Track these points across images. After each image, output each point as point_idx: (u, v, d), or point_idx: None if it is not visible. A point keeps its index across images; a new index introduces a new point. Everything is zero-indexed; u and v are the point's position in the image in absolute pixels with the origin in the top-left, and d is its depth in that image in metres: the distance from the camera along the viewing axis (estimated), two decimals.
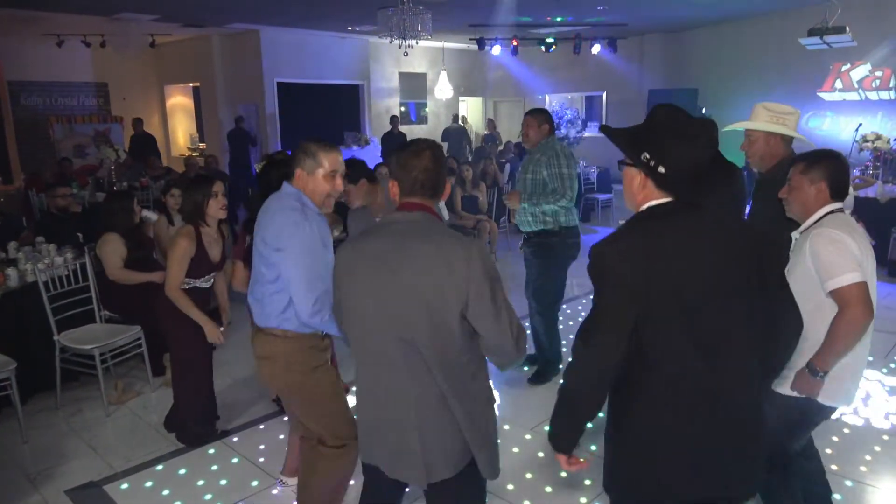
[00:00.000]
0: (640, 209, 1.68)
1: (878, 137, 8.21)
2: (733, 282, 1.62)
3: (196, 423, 3.64)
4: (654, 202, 1.66)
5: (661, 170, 1.60)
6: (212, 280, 3.58)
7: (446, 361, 1.78)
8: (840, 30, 6.79)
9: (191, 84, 13.46)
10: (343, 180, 2.46)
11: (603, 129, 1.76)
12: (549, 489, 3.12)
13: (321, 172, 2.35)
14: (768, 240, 1.78)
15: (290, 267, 2.28)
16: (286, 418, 3.77)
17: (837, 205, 2.31)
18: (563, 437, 1.74)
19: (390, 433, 1.89)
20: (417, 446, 1.84)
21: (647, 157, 1.62)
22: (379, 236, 1.87)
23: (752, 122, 2.84)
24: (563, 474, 3.17)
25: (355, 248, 1.90)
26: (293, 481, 3.13)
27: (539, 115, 4.16)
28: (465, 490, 1.94)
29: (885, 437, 3.52)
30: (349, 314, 1.92)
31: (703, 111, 11.16)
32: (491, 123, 13.77)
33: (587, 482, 3.15)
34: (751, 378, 1.68)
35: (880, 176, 8.17)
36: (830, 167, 2.30)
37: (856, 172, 8.14)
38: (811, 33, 7.03)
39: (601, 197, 10.36)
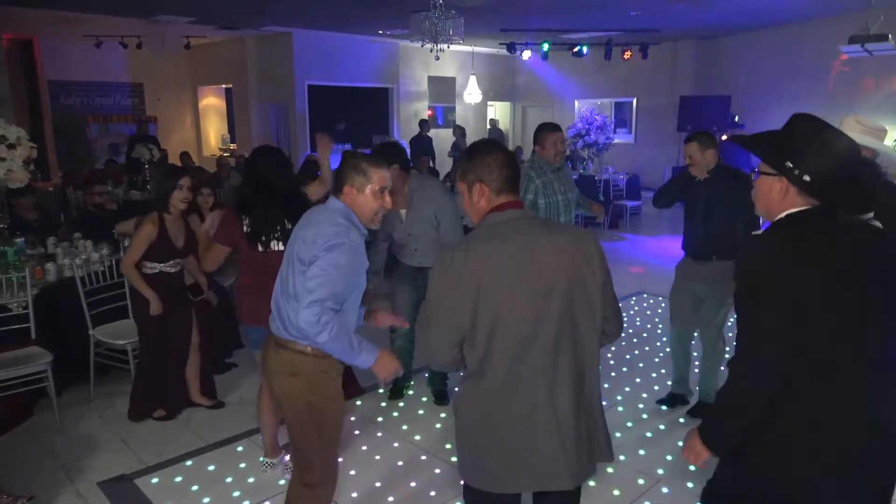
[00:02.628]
0: (779, 217, 1.68)
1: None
2: (875, 291, 1.59)
3: (144, 400, 3.87)
4: (793, 210, 1.66)
5: (807, 178, 1.60)
6: (179, 266, 3.87)
7: (594, 352, 1.85)
8: (882, 37, 6.65)
9: (223, 85, 13.67)
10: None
11: (736, 139, 1.78)
12: None
13: (370, 189, 2.27)
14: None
15: (313, 276, 2.14)
16: None
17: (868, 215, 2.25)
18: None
19: (549, 443, 1.80)
20: (579, 444, 1.82)
21: (791, 165, 1.62)
22: (505, 240, 1.78)
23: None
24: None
25: (479, 258, 1.75)
26: (275, 458, 3.33)
27: (556, 130, 3.92)
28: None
29: None
30: (498, 324, 1.75)
31: (736, 119, 11.00)
32: (497, 131, 13.80)
33: (616, 492, 3.12)
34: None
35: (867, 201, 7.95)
36: None
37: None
38: (852, 41, 6.89)
39: (630, 204, 10.27)
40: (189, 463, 3.43)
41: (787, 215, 1.66)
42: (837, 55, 7.88)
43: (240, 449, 3.57)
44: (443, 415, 3.92)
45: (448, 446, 3.55)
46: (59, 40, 11.00)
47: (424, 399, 4.14)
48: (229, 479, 3.27)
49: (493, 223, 1.82)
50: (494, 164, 1.83)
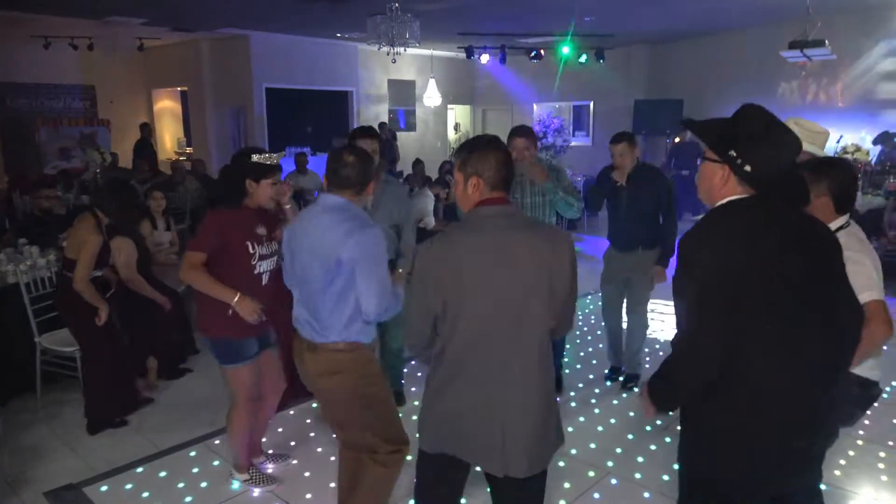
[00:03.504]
0: (717, 204, 1.75)
1: (858, 149, 8.35)
2: (802, 274, 1.64)
3: (95, 411, 3.82)
4: (732, 197, 1.72)
5: (748, 168, 1.66)
6: (101, 272, 3.88)
7: (546, 342, 1.94)
8: (819, 43, 6.93)
9: (179, 88, 13.43)
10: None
11: (687, 122, 1.85)
12: None
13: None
14: (834, 237, 1.79)
15: (363, 273, 2.27)
16: (271, 421, 3.78)
17: (843, 220, 2.27)
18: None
19: (486, 422, 1.90)
20: (529, 431, 1.90)
21: (734, 154, 1.68)
22: (483, 231, 1.90)
23: None
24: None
25: (457, 247, 1.89)
26: (243, 476, 3.21)
27: (531, 136, 3.91)
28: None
29: (860, 443, 3.58)
30: (462, 309, 1.86)
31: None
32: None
33: (566, 485, 3.19)
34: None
35: (860, 187, 8.31)
36: (835, 179, 2.24)
37: None
38: (792, 46, 7.17)
39: None
40: (140, 470, 3.38)
41: (727, 201, 1.72)
42: (779, 60, 8.17)
43: (193, 454, 3.54)
44: (400, 414, 3.93)
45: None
46: (4, 41, 10.66)
47: None
48: (181, 485, 3.24)
49: (479, 216, 1.93)
50: (494, 162, 1.92)
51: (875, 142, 8.80)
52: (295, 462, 3.46)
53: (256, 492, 3.17)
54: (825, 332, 1.67)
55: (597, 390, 4.35)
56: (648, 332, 4.39)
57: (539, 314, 1.90)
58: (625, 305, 4.34)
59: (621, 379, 4.44)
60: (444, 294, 1.87)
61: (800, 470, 1.78)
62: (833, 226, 2.21)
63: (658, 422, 3.83)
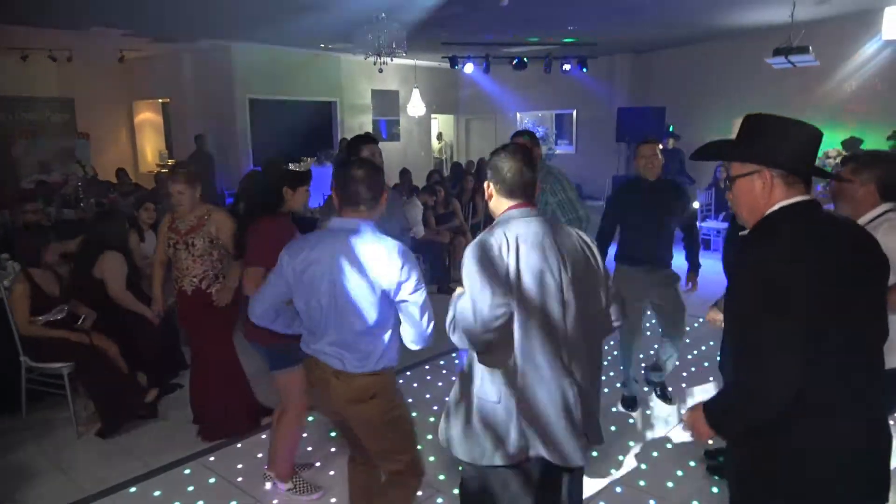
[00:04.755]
0: (771, 210, 1.64)
1: (840, 154, 8.48)
2: (863, 279, 1.62)
3: (108, 411, 3.89)
4: (783, 203, 1.64)
5: (781, 165, 1.62)
6: (64, 311, 4.00)
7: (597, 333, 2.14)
8: (804, 49, 7.05)
9: (160, 100, 13.28)
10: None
11: (700, 152, 1.81)
12: None
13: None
14: (875, 241, 1.70)
15: (423, 302, 2.24)
16: (264, 436, 3.72)
17: (888, 206, 2.42)
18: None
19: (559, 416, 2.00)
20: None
21: (768, 154, 1.64)
22: (528, 226, 2.00)
23: None
24: None
25: (514, 240, 1.97)
26: (287, 485, 3.20)
27: (532, 137, 3.71)
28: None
29: None
30: (527, 306, 1.95)
31: (671, 129, 11.40)
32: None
33: None
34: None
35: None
36: (887, 170, 2.42)
37: (818, 189, 8.39)
38: (776, 53, 7.28)
39: None
40: (133, 490, 3.29)
41: (780, 207, 1.63)
42: (763, 68, 8.29)
43: (187, 472, 3.45)
44: None
45: None
46: None
47: None
48: None
49: (510, 218, 2.03)
50: (506, 170, 2.04)
51: (889, 138, 8.90)
52: (318, 464, 3.43)
53: None
54: (878, 327, 1.65)
55: None
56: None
57: (590, 306, 2.07)
58: (660, 329, 4.06)
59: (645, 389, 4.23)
60: (508, 277, 1.94)
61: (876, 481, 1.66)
62: (877, 211, 2.39)
63: (709, 441, 3.82)
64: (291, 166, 2.95)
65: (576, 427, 2.01)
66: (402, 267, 2.18)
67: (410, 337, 2.27)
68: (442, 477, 3.34)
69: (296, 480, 3.18)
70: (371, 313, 2.21)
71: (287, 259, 2.30)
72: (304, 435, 3.62)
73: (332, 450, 3.65)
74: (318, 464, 3.48)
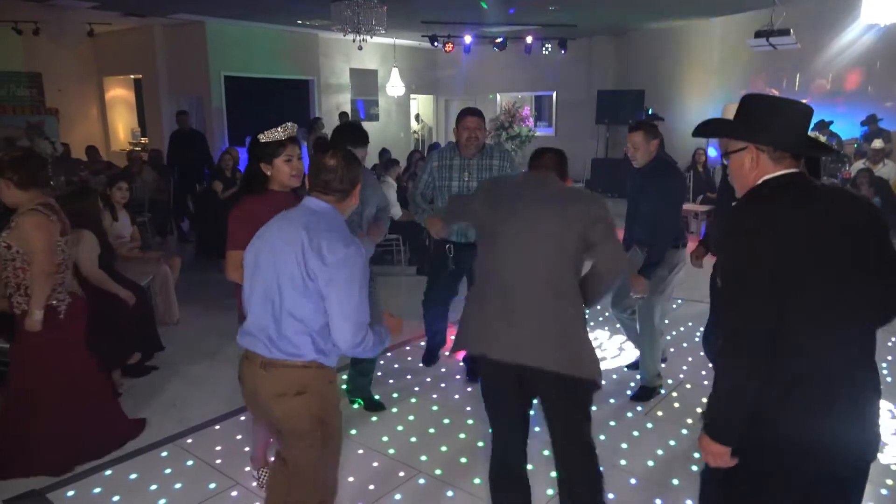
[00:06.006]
0: (755, 184, 1.72)
1: (816, 137, 8.55)
2: (848, 254, 1.62)
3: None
4: (768, 176, 1.71)
5: (772, 138, 1.68)
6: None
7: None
8: (785, 32, 7.08)
9: (132, 76, 12.94)
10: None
11: (699, 129, 1.87)
12: None
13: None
14: (880, 211, 1.75)
15: (336, 295, 2.01)
16: (242, 418, 3.66)
17: None
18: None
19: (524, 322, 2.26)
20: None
21: (753, 134, 1.71)
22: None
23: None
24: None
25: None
26: (253, 471, 3.12)
27: (483, 117, 3.92)
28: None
29: None
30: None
31: (650, 112, 11.44)
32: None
33: (553, 474, 3.16)
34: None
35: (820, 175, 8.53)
36: None
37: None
38: (757, 35, 7.31)
39: None
40: (108, 472, 3.21)
41: (762, 181, 1.71)
42: (743, 51, 8.32)
43: (164, 455, 3.38)
44: (374, 419, 3.85)
45: (385, 438, 3.50)
46: None
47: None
48: (154, 487, 3.09)
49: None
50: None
51: (863, 123, 8.98)
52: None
53: (234, 492, 3.05)
54: (868, 303, 1.67)
55: None
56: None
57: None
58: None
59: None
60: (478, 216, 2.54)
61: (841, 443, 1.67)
62: None
63: (639, 408, 3.85)
64: (262, 137, 2.63)
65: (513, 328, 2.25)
66: (333, 257, 2.00)
67: (335, 340, 2.09)
68: (424, 458, 3.32)
69: (262, 473, 3.06)
70: (292, 293, 2.05)
71: (256, 236, 2.21)
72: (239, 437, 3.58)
73: None
74: None
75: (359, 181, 2.21)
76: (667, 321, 4.23)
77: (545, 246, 2.26)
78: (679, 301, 5.76)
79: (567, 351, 2.23)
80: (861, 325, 1.68)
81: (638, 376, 4.10)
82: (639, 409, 3.86)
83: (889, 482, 3.07)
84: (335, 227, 2.09)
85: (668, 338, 4.94)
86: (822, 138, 8.56)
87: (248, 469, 3.20)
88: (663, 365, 4.25)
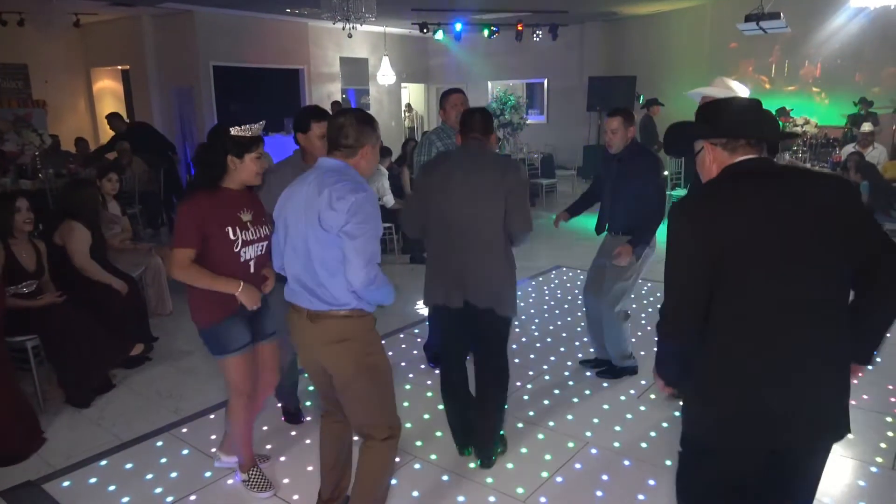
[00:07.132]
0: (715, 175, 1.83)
1: (807, 122, 8.60)
2: (810, 232, 1.66)
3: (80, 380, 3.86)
4: (726, 164, 1.80)
5: (715, 132, 1.79)
6: (33, 286, 3.83)
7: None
8: (775, 16, 7.08)
9: (119, 67, 12.81)
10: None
11: (670, 150, 2.07)
12: (510, 465, 3.14)
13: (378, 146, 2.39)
14: (850, 189, 1.78)
15: (359, 243, 2.16)
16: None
17: None
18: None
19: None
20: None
21: (707, 130, 1.82)
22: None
23: (709, 88, 3.34)
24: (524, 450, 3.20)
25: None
26: (230, 459, 3.10)
27: (464, 95, 4.08)
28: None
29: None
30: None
31: (641, 98, 11.43)
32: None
33: (547, 457, 3.19)
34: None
35: (808, 160, 8.59)
36: None
37: (786, 156, 8.52)
38: (747, 19, 7.31)
39: (545, 182, 10.53)
40: (104, 463, 3.22)
41: (722, 170, 1.80)
42: (734, 36, 8.32)
43: (159, 444, 3.39)
44: (294, 433, 3.86)
45: None
46: None
47: None
48: (150, 476, 3.10)
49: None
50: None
51: (855, 104, 8.99)
52: (269, 447, 3.36)
53: (230, 480, 3.06)
54: (823, 282, 1.69)
55: (569, 363, 4.36)
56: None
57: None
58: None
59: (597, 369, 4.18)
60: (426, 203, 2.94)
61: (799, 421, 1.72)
62: None
63: (653, 396, 3.88)
64: (234, 131, 2.60)
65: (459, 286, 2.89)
66: (346, 204, 2.14)
67: (349, 281, 2.20)
68: (419, 443, 3.34)
69: (252, 473, 2.98)
70: (318, 241, 2.21)
71: (279, 202, 2.40)
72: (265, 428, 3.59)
73: (293, 433, 3.61)
74: (282, 458, 3.28)
75: (368, 141, 2.33)
76: (634, 305, 4.27)
77: (485, 211, 2.80)
78: (649, 284, 5.78)
79: (500, 296, 2.90)
80: (822, 301, 1.69)
81: (588, 373, 4.16)
82: (631, 392, 3.89)
83: (879, 460, 3.11)
84: (345, 178, 2.22)
85: (642, 320, 4.98)
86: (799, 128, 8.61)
87: (217, 465, 3.17)
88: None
